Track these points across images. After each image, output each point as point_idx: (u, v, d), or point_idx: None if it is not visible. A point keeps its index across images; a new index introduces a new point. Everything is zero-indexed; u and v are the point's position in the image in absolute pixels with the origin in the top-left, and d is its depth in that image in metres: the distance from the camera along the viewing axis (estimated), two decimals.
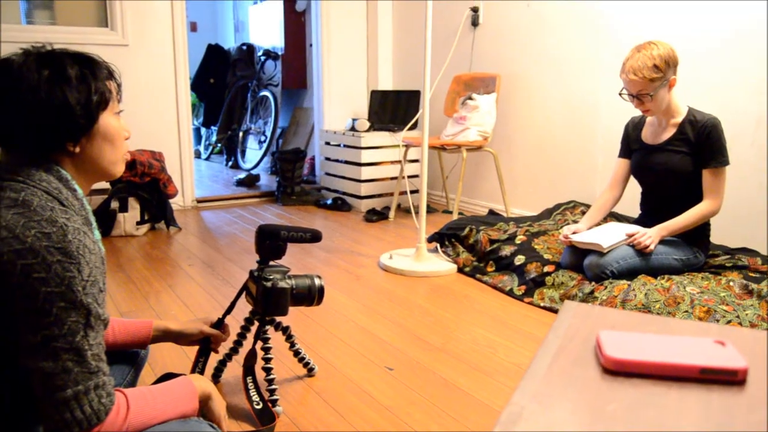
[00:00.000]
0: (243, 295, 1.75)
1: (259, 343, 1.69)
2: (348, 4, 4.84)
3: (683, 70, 2.97)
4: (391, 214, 4.02)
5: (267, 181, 5.41)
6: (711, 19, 2.89)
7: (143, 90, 4.08)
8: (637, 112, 2.66)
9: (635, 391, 0.61)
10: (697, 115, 2.47)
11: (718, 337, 0.72)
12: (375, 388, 1.78)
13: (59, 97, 1.08)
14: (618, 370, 0.64)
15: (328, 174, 4.60)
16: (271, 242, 1.67)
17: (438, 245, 3.05)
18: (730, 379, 0.63)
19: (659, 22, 3.08)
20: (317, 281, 1.71)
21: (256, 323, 1.72)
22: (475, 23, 4.12)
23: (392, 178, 4.34)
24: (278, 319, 1.78)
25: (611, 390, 0.61)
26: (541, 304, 2.44)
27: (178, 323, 1.62)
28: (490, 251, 2.83)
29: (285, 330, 1.80)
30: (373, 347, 2.06)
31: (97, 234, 1.17)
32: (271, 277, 1.64)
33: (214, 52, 6.57)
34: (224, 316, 1.71)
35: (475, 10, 4.09)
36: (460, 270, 2.87)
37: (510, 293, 2.57)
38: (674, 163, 2.49)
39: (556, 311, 2.38)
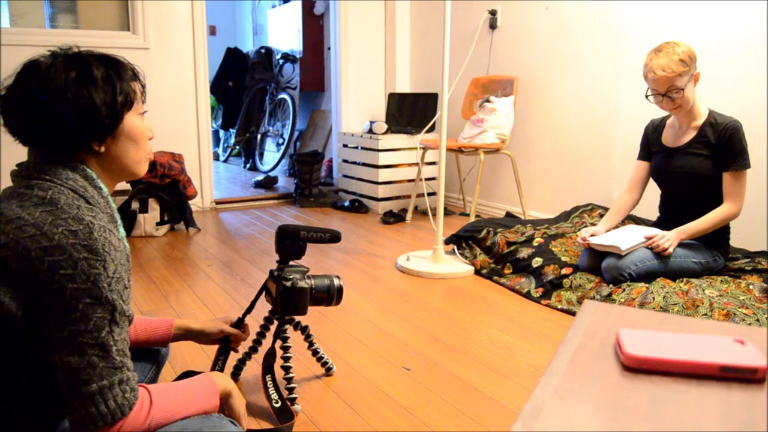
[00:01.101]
0: (263, 295, 1.76)
1: (279, 342, 1.71)
2: (366, 7, 4.86)
3: (704, 72, 2.95)
4: (408, 216, 4.03)
5: (285, 183, 5.44)
6: (732, 22, 2.87)
7: (164, 92, 4.13)
8: (657, 115, 2.64)
9: (655, 388, 0.61)
10: (717, 118, 2.46)
11: (737, 336, 0.72)
12: (392, 388, 1.79)
13: (86, 97, 1.11)
14: (638, 368, 0.65)
15: (345, 176, 4.62)
16: (291, 242, 1.69)
17: (455, 247, 3.06)
18: (750, 377, 0.63)
19: (679, 24, 3.07)
20: (336, 281, 1.73)
21: (276, 323, 1.74)
22: (493, 26, 4.12)
23: (409, 181, 4.35)
24: (297, 318, 1.79)
25: (631, 386, 0.62)
26: (559, 307, 2.43)
27: (198, 322, 1.64)
28: (508, 253, 2.83)
29: (304, 329, 1.81)
30: (390, 348, 2.07)
31: (122, 231, 1.19)
32: (290, 276, 1.66)
33: (232, 55, 6.63)
34: (244, 315, 1.73)
35: (493, 12, 4.09)
36: (478, 272, 2.87)
37: (527, 295, 2.57)
38: (694, 166, 2.47)
39: (573, 314, 2.37)
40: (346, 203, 4.35)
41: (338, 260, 3.12)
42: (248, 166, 6.38)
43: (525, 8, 3.89)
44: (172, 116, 4.18)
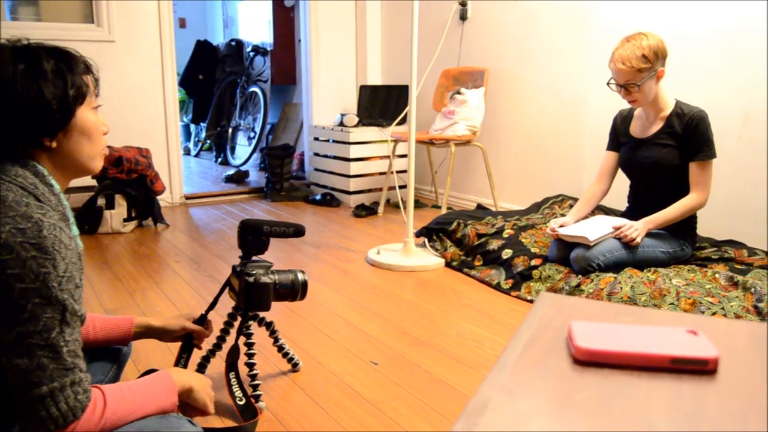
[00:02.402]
0: (226, 291, 1.74)
1: (242, 339, 1.68)
2: (336, 0, 4.82)
3: (673, 63, 2.97)
4: (380, 209, 4.01)
5: (256, 177, 5.39)
6: (701, 14, 2.89)
7: (130, 86, 4.05)
8: (626, 105, 2.66)
9: (605, 382, 0.60)
10: (684, 108, 2.47)
11: (691, 327, 0.72)
12: (359, 382, 1.77)
13: (35, 91, 1.07)
14: (588, 361, 0.64)
15: (317, 170, 4.58)
16: (253, 237, 1.66)
17: (426, 240, 3.05)
18: (701, 368, 0.63)
19: (648, 16, 3.08)
20: (300, 276, 1.70)
21: (239, 319, 1.71)
22: (463, 17, 4.11)
23: (381, 174, 4.33)
24: (262, 314, 1.77)
25: (581, 380, 0.60)
26: (528, 298, 2.44)
27: (160, 319, 1.61)
28: (478, 245, 2.83)
29: (269, 325, 1.79)
30: (358, 342, 2.05)
31: (75, 230, 1.15)
32: (253, 272, 1.63)
33: (202, 48, 6.54)
34: (207, 312, 1.70)
35: (463, 4, 4.08)
36: (448, 264, 2.87)
37: (497, 287, 2.57)
38: (662, 156, 2.49)
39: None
40: (318, 197, 4.32)
41: (309, 255, 3.09)
42: (219, 160, 6.31)
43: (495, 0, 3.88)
44: (140, 110, 4.10)
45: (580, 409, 0.55)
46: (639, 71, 2.37)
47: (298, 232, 1.71)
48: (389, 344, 2.03)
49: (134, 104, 4.08)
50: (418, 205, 4.25)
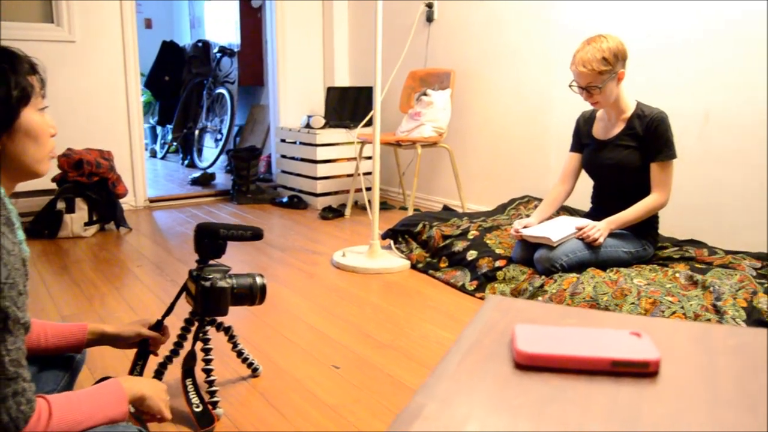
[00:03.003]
0: (183, 296, 1.70)
1: (199, 344, 1.65)
2: (303, 0, 4.78)
3: (634, 65, 3.00)
4: (347, 211, 3.99)
5: (223, 179, 5.33)
6: (661, 16, 2.93)
7: (92, 88, 3.97)
8: (589, 106, 2.67)
9: (544, 386, 0.59)
10: (645, 110, 2.50)
11: (637, 328, 0.71)
12: (320, 387, 1.75)
13: None
14: (529, 365, 0.63)
15: (284, 172, 4.54)
16: (210, 241, 1.63)
17: (392, 242, 3.04)
18: (642, 371, 0.62)
19: (610, 19, 3.11)
20: (259, 280, 1.68)
21: (197, 324, 1.68)
22: (429, 19, 4.11)
23: (348, 175, 4.31)
24: (220, 319, 1.73)
25: (520, 385, 0.59)
26: None
27: (114, 326, 1.57)
28: (443, 247, 2.82)
29: (227, 330, 1.76)
30: (320, 346, 2.03)
31: (21, 235, 1.12)
32: (210, 276, 1.60)
33: (168, 48, 6.45)
34: (163, 317, 1.66)
35: (429, 5, 4.08)
36: (414, 266, 2.86)
37: (462, 288, 2.57)
38: (623, 157, 2.51)
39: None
40: (285, 199, 4.28)
41: (274, 258, 3.06)
42: (186, 162, 6.23)
43: (461, 1, 3.89)
44: (102, 112, 4.02)
45: (515, 414, 0.54)
46: (599, 73, 2.39)
47: (255, 235, 1.68)
48: (352, 347, 2.01)
49: (96, 106, 4.00)
50: (386, 206, 4.24)
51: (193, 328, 1.70)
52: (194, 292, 1.62)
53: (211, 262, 1.66)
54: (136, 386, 1.26)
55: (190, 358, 1.63)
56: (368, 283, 2.65)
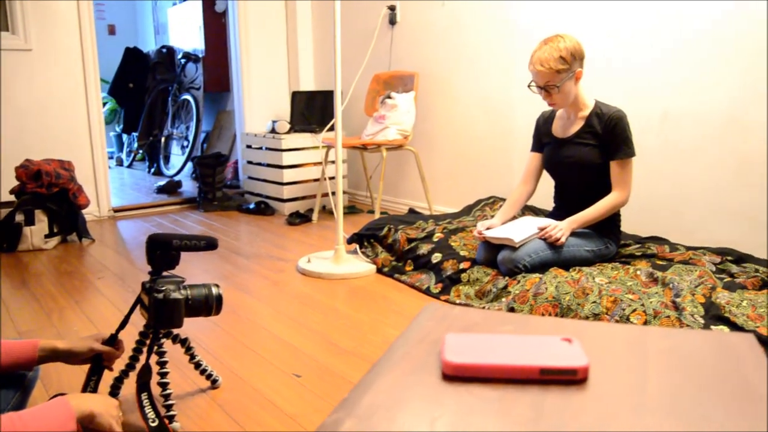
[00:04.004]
0: (138, 308, 1.67)
1: (155, 358, 1.62)
2: (266, 5, 4.75)
3: (594, 65, 3.03)
4: (315, 216, 3.96)
5: (190, 187, 5.27)
6: (619, 16, 2.96)
7: (50, 97, 3.90)
8: (548, 106, 2.69)
9: (469, 398, 0.58)
10: (603, 108, 2.52)
11: (572, 333, 0.71)
12: (281, 396, 1.73)
13: None
14: (457, 375, 0.62)
15: (251, 178, 4.51)
16: (162, 252, 1.60)
17: (357, 246, 3.02)
18: (571, 378, 0.61)
19: (569, 19, 3.13)
20: (214, 290, 1.65)
21: (151, 337, 1.64)
22: (392, 22, 4.11)
23: (315, 180, 4.28)
24: (177, 330, 1.70)
25: (445, 397, 0.58)
26: (457, 302, 2.44)
27: (66, 342, 1.53)
28: (408, 250, 2.82)
29: (184, 342, 1.73)
30: (282, 354, 2.00)
31: None
32: (163, 288, 1.57)
33: (132, 55, 6.36)
34: (118, 331, 1.63)
35: (392, 8, 4.08)
36: (379, 270, 2.84)
37: (427, 292, 2.56)
38: (583, 155, 2.53)
39: (472, 308, 2.38)
40: (252, 206, 4.24)
41: (239, 265, 3.02)
42: (153, 170, 6.15)
43: (423, 4, 3.89)
44: (61, 122, 3.95)
45: (435, 428, 0.53)
46: (557, 72, 2.40)
47: (209, 245, 1.65)
48: (314, 356, 1.99)
49: (55, 115, 3.92)
50: (354, 210, 4.22)
51: (148, 341, 1.67)
52: (148, 304, 1.59)
53: (165, 273, 1.63)
54: (84, 404, 1.23)
55: (145, 372, 1.59)
56: (333, 289, 2.64)
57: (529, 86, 2.51)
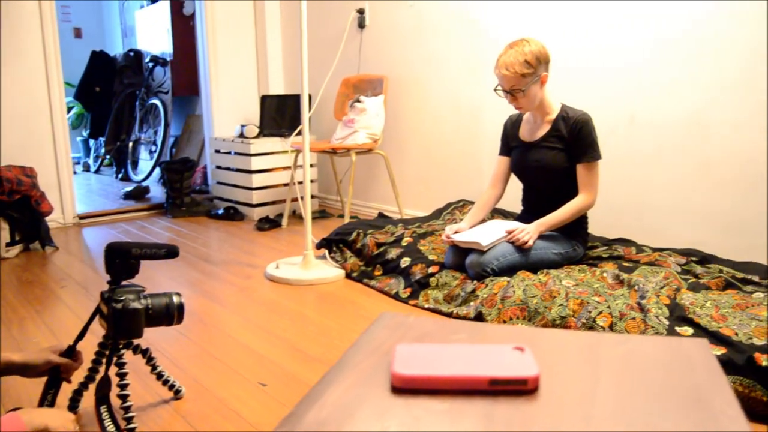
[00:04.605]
0: (97, 319, 1.63)
1: (114, 369, 1.58)
2: (234, 8, 4.71)
3: (561, 68, 3.05)
4: (284, 221, 3.93)
5: (158, 192, 5.19)
6: (587, 20, 2.98)
7: (11, 102, 3.81)
8: (515, 110, 2.70)
9: (417, 411, 0.57)
10: (569, 112, 2.53)
11: (526, 341, 0.70)
12: (245, 406, 1.70)
13: None
14: (406, 387, 0.61)
15: (219, 183, 4.46)
16: (121, 261, 1.56)
17: (326, 251, 3.00)
18: (520, 388, 0.60)
19: (537, 23, 3.15)
20: (176, 299, 1.62)
21: (111, 347, 1.61)
22: (361, 25, 4.10)
23: (285, 185, 4.25)
24: (137, 341, 1.67)
25: (392, 411, 0.57)
26: (426, 306, 2.43)
27: (22, 354, 1.49)
28: (377, 255, 2.80)
29: (145, 352, 1.69)
30: (248, 363, 1.97)
31: None
32: (122, 298, 1.53)
33: (98, 58, 6.26)
34: (76, 342, 1.59)
35: (361, 11, 4.07)
36: (348, 275, 2.83)
37: (396, 296, 2.55)
38: (550, 159, 2.54)
39: (440, 312, 2.37)
40: (221, 211, 4.19)
41: (206, 272, 2.98)
42: (120, 176, 6.05)
43: (391, 7, 3.89)
44: (23, 127, 3.86)
45: None
46: (523, 76, 2.41)
47: (170, 253, 1.62)
48: (280, 363, 1.96)
49: (17, 120, 3.84)
50: (324, 215, 4.20)
51: (108, 352, 1.63)
52: (107, 314, 1.55)
53: (125, 282, 1.60)
54: (38, 418, 1.20)
55: (104, 384, 1.56)
56: (302, 295, 2.61)
57: (495, 90, 2.51)
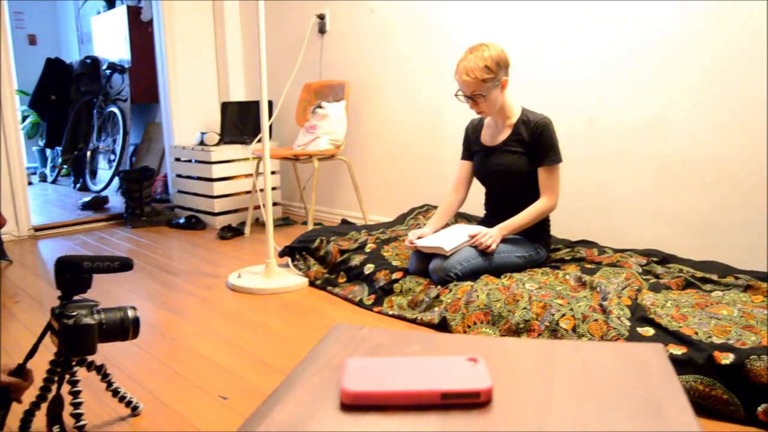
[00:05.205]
0: (48, 335, 1.57)
1: (67, 387, 1.53)
2: (193, 14, 4.64)
3: (522, 72, 3.07)
4: (247, 229, 3.88)
5: (118, 202, 5.08)
6: (547, 26, 3.00)
7: None
8: (477, 114, 2.70)
9: (369, 428, 0.55)
10: (530, 116, 2.54)
11: (480, 351, 0.68)
12: (204, 420, 1.66)
13: None
14: (356, 404, 0.59)
15: (180, 192, 4.38)
16: (73, 275, 1.51)
17: (289, 259, 2.96)
18: (473, 401, 0.59)
19: (495, 28, 3.17)
20: (131, 313, 1.57)
21: (63, 365, 1.55)
22: (322, 30, 4.08)
23: (247, 193, 4.19)
24: (91, 357, 1.61)
25: (342, 429, 0.55)
26: (390, 313, 2.41)
27: None
28: (341, 262, 2.78)
29: (99, 369, 1.64)
30: (209, 376, 1.93)
31: None
32: (74, 313, 1.48)
33: (54, 66, 6.12)
34: (26, 360, 1.53)
35: (321, 17, 4.05)
36: (312, 283, 2.79)
37: (360, 304, 2.53)
38: (511, 162, 2.55)
39: (405, 319, 2.36)
40: (182, 220, 4.12)
41: (166, 284, 2.92)
42: (78, 186, 5.91)
43: (352, 13, 3.87)
44: None
45: None
46: (483, 81, 2.41)
47: (124, 265, 1.57)
48: (241, 375, 1.93)
49: None
50: (288, 222, 4.16)
51: (60, 370, 1.57)
52: (58, 330, 1.50)
53: (77, 297, 1.54)
54: None
55: (56, 403, 1.50)
56: (264, 305, 2.57)
57: (456, 95, 2.52)
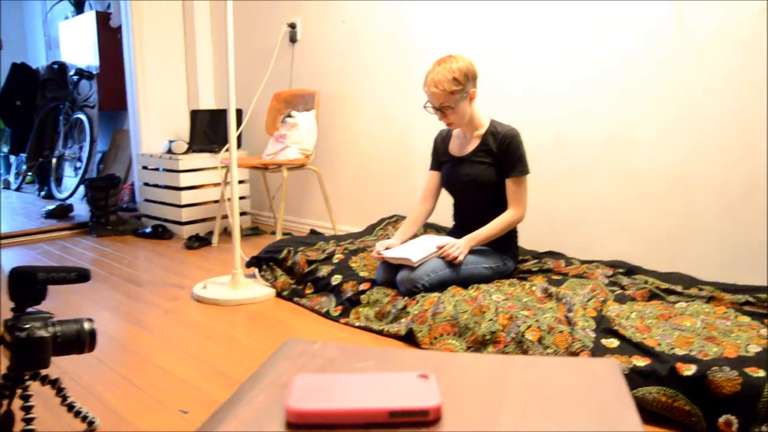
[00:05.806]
0: (0, 349, 1.52)
1: (19, 402, 1.48)
2: (163, 20, 4.59)
3: (490, 84, 3.08)
4: (215, 239, 3.83)
5: (84, 211, 4.98)
6: (516, 39, 3.02)
7: None
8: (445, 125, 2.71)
9: None
10: (498, 127, 2.56)
11: (432, 367, 0.67)
12: None
13: None
14: (302, 423, 0.57)
15: (147, 200, 4.31)
16: (26, 286, 1.47)
17: (256, 270, 2.93)
18: (422, 419, 0.58)
19: (466, 39, 3.18)
20: (87, 325, 1.53)
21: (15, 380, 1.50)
22: (293, 39, 4.06)
23: (215, 202, 4.15)
24: (45, 371, 1.57)
25: None
26: (357, 324, 2.39)
27: None
28: (308, 272, 2.75)
29: (54, 383, 1.59)
30: (169, 389, 1.89)
31: None
32: (27, 326, 1.44)
33: (19, 71, 6.00)
34: None
35: (292, 26, 4.03)
36: (279, 294, 2.76)
37: (327, 315, 2.50)
38: (479, 173, 2.55)
39: (371, 330, 2.34)
40: (148, 229, 4.05)
41: (130, 294, 2.86)
42: (43, 194, 5.80)
43: (323, 22, 3.87)
44: None
45: None
46: (451, 93, 2.42)
47: (81, 276, 1.53)
48: (203, 389, 1.89)
49: None
50: (257, 232, 4.12)
51: (12, 384, 1.52)
52: (10, 343, 1.45)
53: (31, 308, 1.50)
54: None
55: (7, 419, 1.45)
56: (229, 316, 2.53)
57: (425, 107, 2.52)
